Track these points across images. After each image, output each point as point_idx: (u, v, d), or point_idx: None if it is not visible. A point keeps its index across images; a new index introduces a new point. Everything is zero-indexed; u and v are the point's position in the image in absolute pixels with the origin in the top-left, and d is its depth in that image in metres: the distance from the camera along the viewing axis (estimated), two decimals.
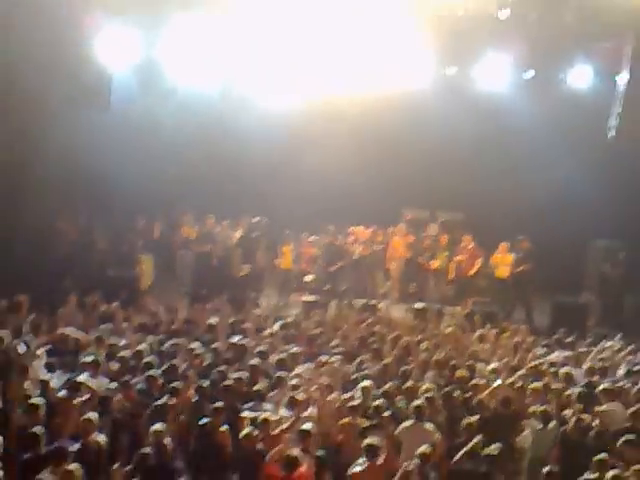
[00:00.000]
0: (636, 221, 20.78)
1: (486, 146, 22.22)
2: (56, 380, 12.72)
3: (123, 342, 14.62)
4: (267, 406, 12.12)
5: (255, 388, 12.53)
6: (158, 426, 10.87)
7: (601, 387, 13.29)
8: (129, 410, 11.86)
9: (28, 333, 14.67)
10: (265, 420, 11.29)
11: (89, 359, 13.22)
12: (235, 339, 15.61)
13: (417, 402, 12.00)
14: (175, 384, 12.26)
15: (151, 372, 12.71)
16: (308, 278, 22.42)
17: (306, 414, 11.84)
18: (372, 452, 10.45)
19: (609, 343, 16.99)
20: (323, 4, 19.07)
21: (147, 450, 10.46)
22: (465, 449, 11.03)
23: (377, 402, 12.02)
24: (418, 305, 20.81)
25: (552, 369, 14.68)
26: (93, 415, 10.95)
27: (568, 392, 13.29)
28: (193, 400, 12.16)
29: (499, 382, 13.54)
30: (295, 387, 12.66)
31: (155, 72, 20.51)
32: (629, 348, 16.50)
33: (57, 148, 18.50)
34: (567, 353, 16.24)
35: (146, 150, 20.89)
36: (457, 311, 20.26)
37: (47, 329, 15.11)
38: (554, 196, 21.57)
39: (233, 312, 17.85)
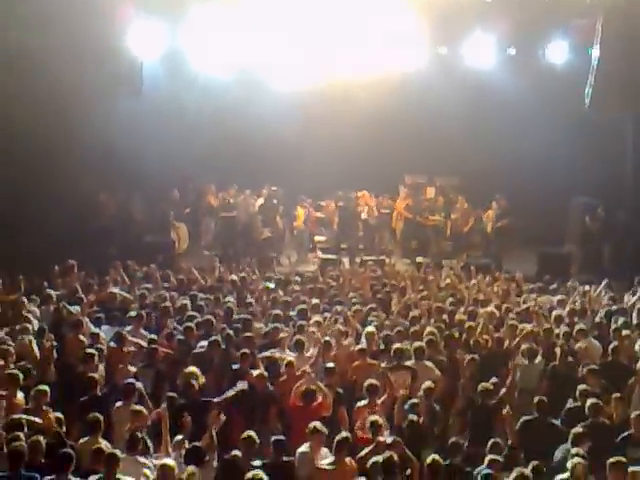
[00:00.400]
0: (611, 180, 20.85)
1: (476, 117, 22.23)
2: (105, 333, 12.94)
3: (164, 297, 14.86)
4: (288, 351, 12.28)
5: (281, 336, 12.63)
6: (190, 368, 11.14)
7: (577, 327, 13.37)
8: (171, 359, 12.06)
9: (80, 293, 14.90)
10: (290, 362, 11.54)
11: (133, 314, 13.47)
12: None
13: (417, 344, 12.12)
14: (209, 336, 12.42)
15: (189, 324, 12.95)
16: (320, 238, 22.68)
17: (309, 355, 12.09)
18: (372, 391, 10.58)
19: (590, 287, 17.06)
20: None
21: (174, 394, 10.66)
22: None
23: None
24: (420, 259, 21.10)
25: (541, 311, 14.72)
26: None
27: (557, 331, 13.34)
28: (222, 347, 12.23)
29: (493, 324, 13.77)
30: (313, 333, 12.79)
31: (179, 61, 20.71)
32: (609, 292, 16.61)
33: (95, 131, 18.63)
34: (554, 297, 16.35)
35: (172, 131, 21.02)
36: (454, 264, 20.40)
37: (97, 289, 15.42)
38: (538, 160, 21.58)
39: (258, 270, 18.09)
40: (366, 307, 14.57)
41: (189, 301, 14.44)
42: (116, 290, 15.15)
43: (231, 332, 12.68)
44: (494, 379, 11.36)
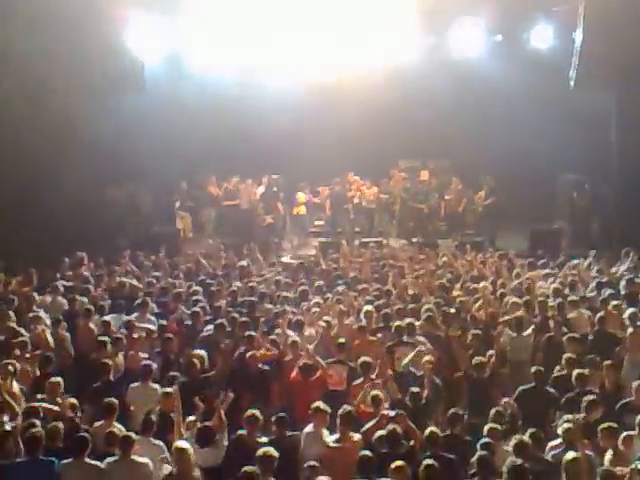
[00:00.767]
0: (597, 156, 20.69)
1: (466, 101, 22.09)
2: (115, 321, 12.82)
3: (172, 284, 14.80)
4: (289, 332, 12.08)
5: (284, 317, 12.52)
6: (196, 351, 11.16)
7: (568, 299, 13.30)
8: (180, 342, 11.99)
9: (90, 284, 14.84)
10: (294, 342, 11.47)
11: (140, 301, 13.39)
12: (266, 276, 15.83)
13: (407, 320, 11.98)
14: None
15: (195, 309, 12.85)
16: (318, 222, 22.55)
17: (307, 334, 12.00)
18: (366, 368, 10.48)
19: (579, 261, 16.94)
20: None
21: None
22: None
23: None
24: (415, 239, 21.00)
25: (534, 285, 14.66)
26: None
27: (551, 304, 13.21)
28: (228, 329, 12.14)
29: (488, 299, 13.65)
30: (315, 313, 12.76)
31: (179, 59, 20.63)
32: (596, 265, 16.50)
33: (100, 128, 18.47)
34: (547, 271, 16.24)
35: (174, 126, 20.89)
36: (449, 242, 20.33)
37: (107, 280, 15.32)
38: (526, 141, 21.44)
39: (262, 255, 18.00)
40: (368, 287, 14.50)
41: (199, 287, 14.37)
42: (125, 279, 15.03)
43: (236, 315, 12.55)
44: (491, 352, 11.31)
